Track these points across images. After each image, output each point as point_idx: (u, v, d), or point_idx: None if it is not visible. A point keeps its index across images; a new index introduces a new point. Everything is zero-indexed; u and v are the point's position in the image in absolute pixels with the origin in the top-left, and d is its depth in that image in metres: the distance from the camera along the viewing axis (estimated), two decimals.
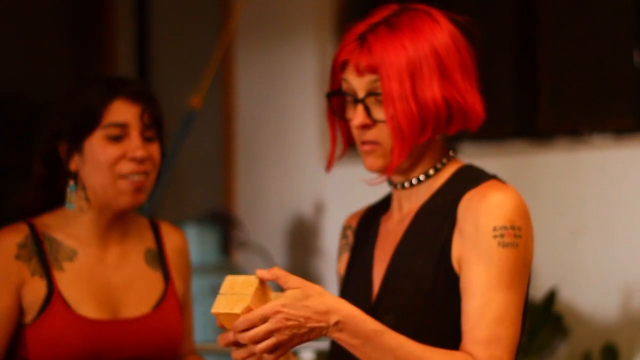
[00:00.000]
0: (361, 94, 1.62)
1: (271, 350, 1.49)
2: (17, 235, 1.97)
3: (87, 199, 1.98)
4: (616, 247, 3.37)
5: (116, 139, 1.96)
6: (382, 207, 1.77)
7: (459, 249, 1.61)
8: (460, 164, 1.70)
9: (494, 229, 1.58)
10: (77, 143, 1.97)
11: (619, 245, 3.37)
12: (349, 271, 1.74)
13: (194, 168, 4.47)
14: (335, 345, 1.70)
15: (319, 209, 4.21)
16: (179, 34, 4.70)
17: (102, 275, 1.99)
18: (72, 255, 1.98)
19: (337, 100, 1.67)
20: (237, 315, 1.50)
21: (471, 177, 1.66)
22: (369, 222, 1.76)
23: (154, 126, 1.99)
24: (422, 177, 1.67)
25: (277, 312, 1.49)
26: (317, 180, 4.22)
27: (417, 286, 1.62)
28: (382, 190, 4.38)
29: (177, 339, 2.01)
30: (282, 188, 4.33)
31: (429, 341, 1.57)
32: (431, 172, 1.68)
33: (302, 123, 4.29)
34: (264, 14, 4.33)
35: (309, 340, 1.52)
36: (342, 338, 1.52)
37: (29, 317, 1.96)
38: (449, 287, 1.61)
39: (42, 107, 4.61)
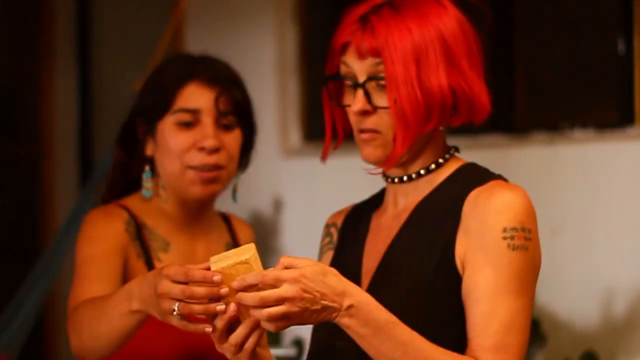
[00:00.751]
0: (362, 78, 1.57)
1: (277, 319, 1.43)
2: (122, 214, 1.91)
3: (163, 187, 1.94)
4: (597, 250, 3.30)
5: (187, 126, 1.90)
6: (372, 204, 1.71)
7: (463, 248, 1.56)
8: (463, 162, 1.65)
9: (504, 230, 1.54)
10: (151, 126, 1.92)
11: (600, 248, 3.31)
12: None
13: None
14: (316, 344, 1.62)
15: (277, 206, 4.13)
16: (124, 13, 4.61)
17: None
18: (165, 247, 1.93)
19: (334, 86, 1.62)
20: (246, 262, 1.43)
21: (477, 175, 1.61)
22: (357, 219, 1.70)
23: (234, 113, 1.93)
24: (422, 172, 1.62)
25: (296, 280, 1.43)
26: (274, 175, 4.13)
27: (413, 284, 1.57)
28: (345, 184, 4.22)
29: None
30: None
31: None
32: (432, 166, 1.62)
33: (258, 111, 4.16)
34: None
35: (315, 321, 1.47)
36: (352, 325, 1.48)
37: None
38: (449, 287, 1.56)
39: None
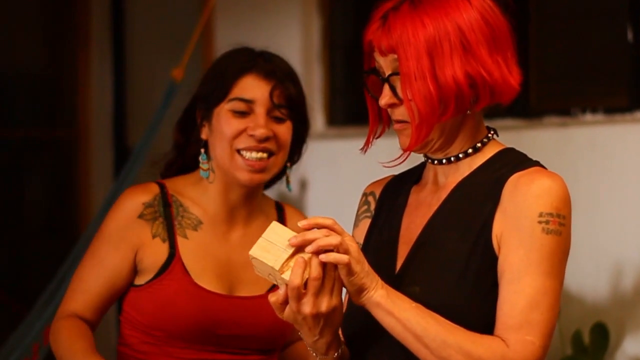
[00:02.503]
0: (387, 73, 1.59)
1: (342, 250, 1.48)
2: (145, 194, 1.94)
3: (213, 170, 1.96)
4: (606, 227, 3.30)
5: (241, 114, 1.94)
6: (410, 177, 1.70)
7: (500, 228, 1.56)
8: (502, 146, 1.65)
9: (540, 214, 1.54)
10: (208, 111, 1.96)
11: (609, 225, 3.30)
12: (369, 238, 1.67)
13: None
14: (352, 314, 1.62)
15: (302, 185, 4.13)
16: (158, 6, 4.61)
17: (224, 252, 1.96)
18: (197, 225, 1.95)
19: (373, 80, 1.63)
20: (270, 267, 1.47)
21: (516, 160, 1.62)
22: (395, 190, 1.70)
23: (287, 106, 1.95)
24: (461, 155, 1.63)
25: (354, 243, 1.49)
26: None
27: (450, 258, 1.57)
28: (366, 166, 4.24)
29: (281, 327, 1.97)
30: None
31: (453, 317, 1.54)
32: (470, 150, 1.63)
33: None
34: None
35: (358, 282, 1.50)
36: (382, 302, 1.50)
37: (145, 278, 1.93)
38: (484, 264, 1.56)
39: (12, 78, 4.52)
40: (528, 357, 1.51)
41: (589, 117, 3.47)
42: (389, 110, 1.60)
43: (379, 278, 1.52)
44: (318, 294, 1.48)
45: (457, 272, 1.56)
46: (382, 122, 1.66)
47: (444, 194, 1.62)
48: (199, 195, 1.96)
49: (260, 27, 4.22)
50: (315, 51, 4.17)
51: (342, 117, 4.20)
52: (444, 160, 1.62)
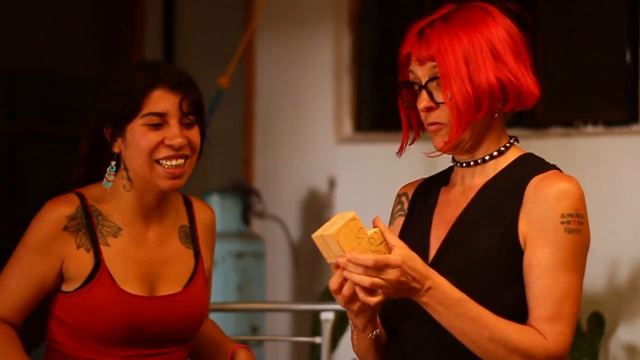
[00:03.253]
0: (424, 80, 1.68)
1: (375, 288, 1.54)
2: (68, 206, 1.93)
3: (129, 179, 1.95)
4: (604, 228, 3.38)
5: (156, 126, 1.91)
6: (440, 179, 1.79)
7: (525, 228, 1.64)
8: (522, 151, 1.74)
9: (562, 215, 1.62)
10: (120, 128, 1.93)
11: (607, 226, 3.39)
12: (403, 235, 1.78)
13: (217, 143, 4.50)
14: (389, 305, 1.69)
15: (331, 184, 4.23)
16: (205, 19, 4.68)
17: (143, 253, 1.97)
18: (116, 232, 1.96)
19: (407, 92, 1.73)
20: (354, 220, 1.52)
21: (536, 164, 1.70)
22: (427, 191, 1.79)
23: (194, 112, 1.94)
24: (487, 158, 1.71)
25: (398, 265, 1.54)
26: (329, 158, 4.23)
27: (478, 253, 1.65)
28: (389, 167, 4.34)
29: (203, 314, 2.00)
30: (297, 164, 4.33)
31: (485, 304, 1.61)
32: (495, 153, 1.71)
33: (317, 104, 4.31)
34: (285, 3, 4.33)
35: (398, 295, 1.56)
36: (429, 303, 1.57)
37: (73, 285, 1.94)
38: (510, 259, 1.64)
39: (72, 84, 4.63)
40: (563, 347, 1.60)
41: (590, 128, 3.57)
42: (423, 114, 1.68)
43: (426, 281, 1.56)
44: (349, 301, 1.57)
45: (487, 263, 1.63)
46: (413, 130, 1.74)
47: (471, 194, 1.70)
48: (115, 203, 1.95)
49: (296, 42, 4.30)
50: (345, 64, 4.28)
51: (368, 123, 4.28)
52: (471, 163, 1.70)
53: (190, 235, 2.01)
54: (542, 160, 1.72)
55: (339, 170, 4.20)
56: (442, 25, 1.67)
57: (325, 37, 4.23)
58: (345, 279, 1.56)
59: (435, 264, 1.65)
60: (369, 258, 1.53)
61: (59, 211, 1.93)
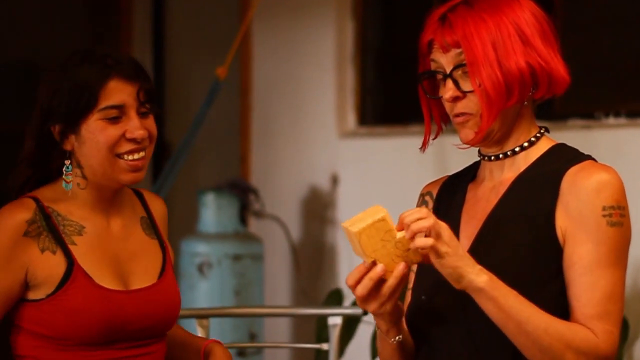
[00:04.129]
0: (448, 68, 1.64)
1: (434, 234, 1.51)
2: (25, 211, 1.86)
3: (84, 177, 1.89)
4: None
5: (114, 120, 1.86)
6: (465, 175, 1.75)
7: (563, 222, 1.61)
8: (554, 142, 1.71)
9: (604, 208, 1.59)
10: (73, 124, 1.86)
11: (633, 222, 3.27)
12: None
13: (211, 138, 4.46)
14: (416, 303, 1.66)
15: (334, 181, 4.18)
16: (198, 6, 4.62)
17: (111, 248, 1.92)
18: (80, 230, 1.90)
19: (428, 83, 1.69)
20: (382, 221, 1.50)
21: (570, 155, 1.66)
22: (452, 189, 1.74)
23: (149, 100, 1.89)
24: (517, 149, 1.67)
25: (447, 228, 1.53)
26: (331, 154, 4.18)
27: (514, 250, 1.61)
28: (394, 163, 4.24)
29: (179, 304, 1.96)
30: (296, 160, 4.29)
31: None
32: (525, 144, 1.67)
33: (318, 97, 4.25)
34: None
35: (452, 264, 1.52)
36: (485, 289, 1.53)
37: (43, 292, 1.87)
38: (548, 255, 1.61)
39: None
40: (613, 347, 1.57)
41: (611, 120, 3.49)
42: (449, 105, 1.64)
43: (476, 263, 1.54)
44: (365, 301, 1.54)
45: (523, 260, 1.60)
46: (435, 123, 1.70)
47: (502, 189, 1.66)
48: (72, 202, 1.90)
49: (296, 31, 4.25)
50: (348, 53, 4.19)
51: (372, 116, 4.23)
52: (500, 156, 1.67)
53: (152, 226, 1.99)
54: (577, 150, 1.69)
55: (342, 166, 4.14)
56: (465, 9, 1.63)
57: (326, 24, 4.18)
58: (362, 276, 1.53)
59: None
60: (421, 209, 1.52)
61: (16, 217, 1.86)
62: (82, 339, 1.85)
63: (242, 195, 4.11)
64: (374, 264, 1.52)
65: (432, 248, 1.51)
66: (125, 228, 1.94)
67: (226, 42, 3.96)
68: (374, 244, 1.50)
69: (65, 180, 1.88)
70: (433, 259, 1.53)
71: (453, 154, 1.73)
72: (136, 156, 1.87)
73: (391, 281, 1.52)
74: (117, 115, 1.85)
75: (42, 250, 1.86)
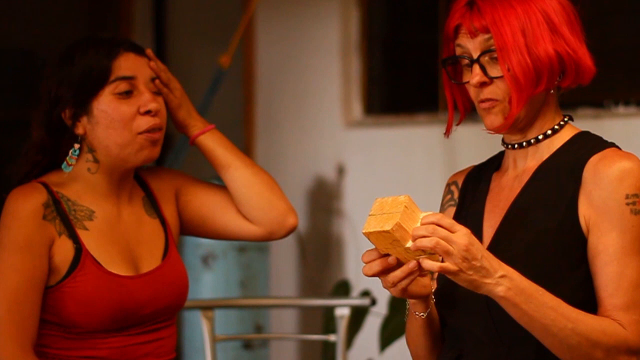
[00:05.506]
0: (476, 54, 1.65)
1: (441, 254, 1.48)
2: (39, 195, 1.85)
3: (95, 161, 1.87)
4: None
5: (126, 94, 1.84)
6: (490, 165, 1.76)
7: (587, 210, 1.61)
8: (578, 130, 1.71)
9: (627, 196, 1.58)
10: (83, 105, 1.84)
11: None
12: None
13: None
14: (445, 286, 1.64)
15: (340, 171, 4.16)
16: None
17: (120, 234, 1.91)
18: (90, 215, 1.89)
19: (452, 68, 1.70)
20: (387, 233, 1.48)
21: (593, 142, 1.67)
22: (477, 178, 1.75)
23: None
24: (540, 137, 1.67)
25: (466, 234, 1.50)
26: (337, 144, 4.17)
27: (537, 238, 1.61)
28: (401, 153, 4.21)
29: (186, 285, 1.95)
30: (302, 150, 4.27)
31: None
32: (549, 132, 1.68)
33: (323, 86, 4.24)
34: None
35: (468, 279, 1.50)
36: (508, 295, 1.52)
37: (54, 279, 1.85)
38: (571, 243, 1.61)
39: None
40: None
41: (621, 109, 3.48)
42: (474, 91, 1.65)
43: (498, 267, 1.52)
44: (391, 287, 1.54)
45: (547, 249, 1.60)
46: (458, 109, 1.71)
47: (525, 177, 1.67)
48: (81, 187, 1.88)
49: (300, 19, 4.23)
50: (353, 42, 4.17)
51: (379, 106, 4.21)
52: (523, 144, 1.67)
53: (151, 204, 1.96)
54: (600, 138, 1.69)
55: (348, 156, 4.13)
56: None
57: (331, 12, 4.16)
58: (375, 259, 1.52)
59: (491, 253, 1.58)
60: (441, 215, 1.50)
61: (32, 201, 1.84)
62: (93, 327, 1.83)
63: None
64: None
65: (441, 269, 1.49)
66: (132, 212, 1.93)
67: (229, 30, 3.93)
68: (383, 245, 1.51)
69: (66, 162, 1.86)
70: (447, 275, 1.51)
71: (460, 143, 1.72)
72: (152, 132, 1.84)
73: (397, 272, 1.52)
74: (129, 89, 1.83)
75: (59, 234, 1.84)
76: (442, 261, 1.49)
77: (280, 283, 4.21)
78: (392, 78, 4.21)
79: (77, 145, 1.86)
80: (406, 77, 4.16)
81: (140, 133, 1.84)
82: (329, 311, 3.43)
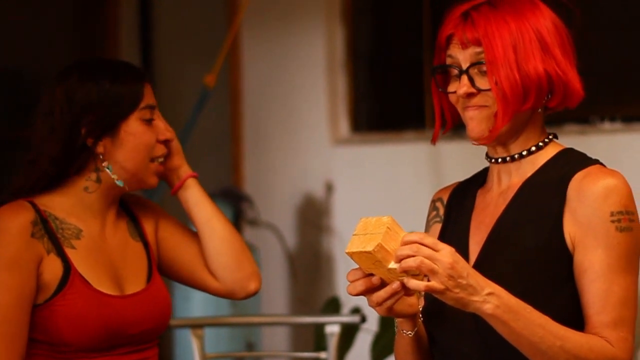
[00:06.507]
0: (465, 65, 1.65)
1: (426, 273, 1.48)
2: (27, 212, 1.87)
3: (98, 180, 1.91)
4: None
5: (149, 122, 1.91)
6: (475, 181, 1.75)
7: (572, 228, 1.61)
8: (562, 146, 1.70)
9: (612, 214, 1.58)
10: (112, 126, 1.89)
11: None
12: (441, 241, 1.65)
13: (203, 146, 4.44)
14: (431, 306, 1.64)
15: (328, 188, 4.18)
16: (186, 12, 4.60)
17: (106, 254, 1.93)
18: (78, 234, 1.91)
19: (441, 77, 1.70)
20: (369, 253, 1.48)
21: (577, 159, 1.66)
22: (462, 194, 1.74)
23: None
24: (524, 153, 1.67)
25: (451, 253, 1.49)
26: (325, 161, 4.18)
27: (522, 256, 1.61)
28: (389, 170, 4.22)
29: (170, 308, 1.97)
30: (290, 167, 4.29)
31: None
32: (533, 148, 1.67)
33: (310, 104, 4.25)
34: None
35: (456, 297, 1.50)
36: (496, 313, 1.51)
37: (42, 297, 1.86)
38: (557, 260, 1.60)
39: (41, 85, 4.52)
40: (628, 354, 1.58)
41: (607, 125, 3.50)
42: (461, 100, 1.65)
43: (485, 285, 1.51)
44: (376, 306, 1.53)
45: (533, 267, 1.59)
46: (445, 118, 1.71)
47: (510, 194, 1.66)
48: (70, 206, 1.90)
49: (286, 37, 4.25)
50: (339, 60, 4.19)
51: (365, 123, 4.23)
52: (507, 158, 1.67)
53: (134, 226, 1.99)
54: (584, 155, 1.69)
55: (336, 173, 4.15)
56: (488, 9, 1.65)
57: (317, 30, 4.19)
58: (359, 279, 1.52)
59: (477, 270, 1.58)
60: (417, 233, 1.50)
61: (20, 219, 1.85)
62: (81, 345, 1.84)
63: (236, 204, 4.10)
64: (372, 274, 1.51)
65: (427, 288, 1.49)
66: (117, 234, 1.95)
67: (215, 50, 3.93)
68: (366, 265, 1.50)
69: (115, 179, 1.88)
70: (434, 294, 1.51)
71: (447, 160, 1.73)
72: (161, 160, 1.92)
73: (381, 293, 1.51)
74: (151, 117, 1.90)
75: (48, 252, 1.86)
76: (428, 280, 1.49)
77: (271, 300, 4.20)
78: (378, 95, 4.23)
79: (106, 163, 1.89)
80: (393, 94, 4.18)
81: (152, 160, 1.90)
82: (319, 328, 3.44)
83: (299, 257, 4.21)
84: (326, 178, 4.15)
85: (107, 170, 1.89)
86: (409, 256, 1.47)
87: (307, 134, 4.24)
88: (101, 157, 1.89)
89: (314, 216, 4.18)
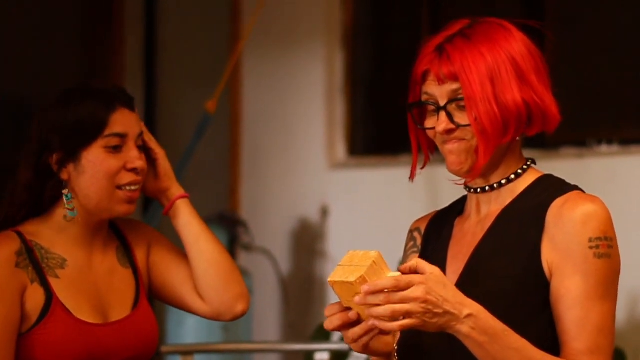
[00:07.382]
0: (443, 101, 1.62)
1: (400, 315, 1.47)
2: (12, 243, 1.88)
3: (74, 208, 1.91)
4: (623, 255, 3.24)
5: (115, 149, 1.88)
6: (453, 210, 1.73)
7: (550, 255, 1.59)
8: (541, 173, 1.68)
9: (590, 240, 1.56)
10: (73, 153, 1.88)
11: (626, 253, 3.23)
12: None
13: (200, 170, 4.45)
14: (407, 338, 1.62)
15: (324, 213, 4.18)
16: (189, 40, 4.63)
17: (91, 282, 1.92)
18: (62, 263, 1.91)
19: (418, 112, 1.67)
20: (350, 284, 1.48)
21: (555, 185, 1.64)
22: (440, 224, 1.72)
23: (142, 134, 1.92)
24: (503, 181, 1.65)
25: (422, 282, 1.47)
26: (321, 185, 4.19)
27: (500, 285, 1.59)
28: (385, 194, 4.22)
29: (156, 336, 1.95)
30: (286, 192, 4.30)
31: None
32: (512, 177, 1.65)
33: (307, 129, 4.27)
34: (273, 21, 4.31)
35: (435, 326, 1.49)
36: (472, 334, 1.50)
37: (27, 325, 1.86)
38: (536, 289, 1.59)
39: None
40: None
41: (604, 148, 3.49)
42: (440, 137, 1.63)
43: (463, 308, 1.50)
44: (352, 342, 1.52)
45: (511, 296, 1.58)
46: (423, 153, 1.68)
47: (488, 222, 1.65)
48: (55, 235, 1.91)
49: (286, 62, 4.27)
50: (338, 85, 4.21)
51: (362, 147, 4.24)
52: (486, 188, 1.65)
53: (125, 253, 1.98)
54: (562, 181, 1.67)
55: (332, 198, 4.16)
56: (462, 41, 1.62)
57: (316, 55, 4.21)
58: (336, 313, 1.52)
59: None
60: (388, 279, 1.47)
61: (5, 249, 1.87)
62: None
63: (231, 228, 4.11)
64: (349, 308, 1.49)
65: (402, 327, 1.47)
66: (104, 261, 1.94)
67: (217, 75, 3.96)
68: (346, 297, 1.49)
69: (68, 208, 1.89)
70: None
71: (444, 185, 1.69)
72: (133, 187, 1.89)
73: (356, 329, 1.49)
74: (119, 144, 1.87)
75: (32, 282, 1.87)
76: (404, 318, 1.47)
77: (263, 326, 4.20)
78: (375, 119, 4.24)
79: (66, 191, 1.89)
80: (389, 118, 4.17)
81: (119, 187, 1.88)
82: (310, 355, 3.42)
83: (292, 282, 4.20)
84: (322, 202, 4.16)
85: (64, 199, 1.88)
86: (379, 305, 1.45)
87: (304, 158, 4.25)
88: (64, 184, 1.88)
89: (308, 241, 4.18)
